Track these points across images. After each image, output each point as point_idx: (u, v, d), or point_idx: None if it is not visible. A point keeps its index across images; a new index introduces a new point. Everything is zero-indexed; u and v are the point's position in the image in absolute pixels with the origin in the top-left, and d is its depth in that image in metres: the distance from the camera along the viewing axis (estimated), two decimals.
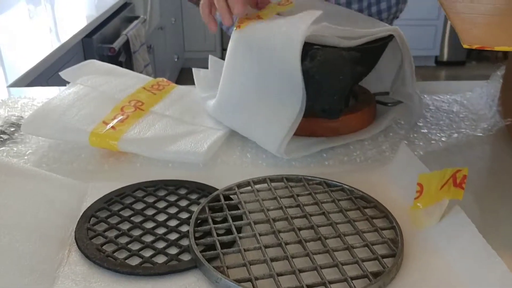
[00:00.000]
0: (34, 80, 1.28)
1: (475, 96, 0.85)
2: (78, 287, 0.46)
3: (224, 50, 3.34)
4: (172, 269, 0.48)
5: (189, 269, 0.48)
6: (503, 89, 0.79)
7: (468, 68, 3.51)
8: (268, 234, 0.51)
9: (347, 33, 0.64)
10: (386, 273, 0.46)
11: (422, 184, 0.57)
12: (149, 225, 0.54)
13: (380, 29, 0.66)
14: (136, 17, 2.16)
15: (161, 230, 0.53)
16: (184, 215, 0.56)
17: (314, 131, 0.70)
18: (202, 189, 0.60)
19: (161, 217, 0.55)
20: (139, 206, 0.57)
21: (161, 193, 0.60)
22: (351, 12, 0.81)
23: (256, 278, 0.45)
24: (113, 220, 0.55)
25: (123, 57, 1.90)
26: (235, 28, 0.67)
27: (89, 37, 1.68)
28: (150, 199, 0.58)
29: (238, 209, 0.55)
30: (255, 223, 0.52)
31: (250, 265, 0.46)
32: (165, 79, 0.84)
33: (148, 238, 0.52)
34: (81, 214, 0.55)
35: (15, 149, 0.70)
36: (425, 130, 0.74)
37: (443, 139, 0.72)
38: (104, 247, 0.51)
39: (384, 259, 0.48)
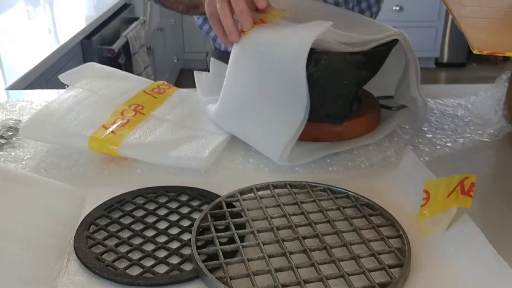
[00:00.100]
0: (32, 82, 1.27)
1: (479, 100, 0.84)
2: None
3: None
4: (174, 279, 0.46)
5: (191, 280, 0.47)
6: (508, 93, 0.77)
7: (469, 70, 3.51)
8: (272, 243, 0.50)
9: (353, 39, 0.63)
10: (394, 284, 0.45)
11: (429, 191, 0.56)
12: (150, 233, 0.53)
13: (386, 34, 0.65)
14: (136, 18, 2.14)
15: (162, 239, 0.52)
16: (186, 223, 0.54)
17: (317, 136, 0.69)
18: (204, 196, 0.59)
19: (162, 225, 0.54)
20: (139, 213, 0.56)
21: (162, 199, 0.58)
22: (353, 14, 0.80)
23: None
24: (113, 228, 0.54)
25: (122, 59, 1.89)
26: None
27: (89, 38, 1.67)
28: (151, 206, 0.57)
29: (241, 216, 0.54)
30: (259, 231, 0.51)
31: (254, 275, 0.45)
32: (165, 82, 0.83)
33: (149, 247, 0.51)
34: (80, 222, 0.54)
35: (12, 154, 0.68)
36: (430, 135, 0.73)
37: (448, 144, 0.71)
38: (104, 256, 0.49)
39: (391, 269, 0.47)
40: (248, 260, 0.47)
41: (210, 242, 0.51)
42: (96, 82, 0.78)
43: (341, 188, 0.59)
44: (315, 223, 0.53)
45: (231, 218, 0.53)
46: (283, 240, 0.50)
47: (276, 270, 0.46)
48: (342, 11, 0.80)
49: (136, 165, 0.66)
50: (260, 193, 0.58)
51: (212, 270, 0.46)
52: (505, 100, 0.78)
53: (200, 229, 0.52)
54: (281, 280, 0.45)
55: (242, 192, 0.58)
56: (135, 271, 0.48)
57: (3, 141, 0.71)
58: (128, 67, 1.94)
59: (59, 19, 1.80)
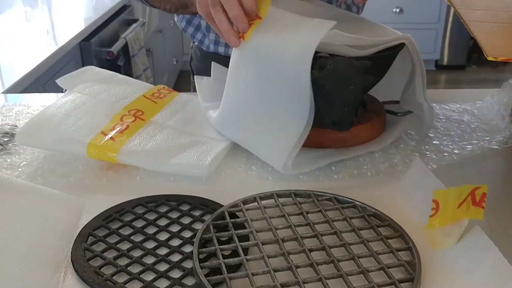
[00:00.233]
0: (30, 85, 1.25)
1: (485, 105, 0.82)
2: None
3: None
4: None
5: None
6: None
7: (469, 72, 3.49)
8: (277, 256, 0.48)
9: (358, 42, 0.61)
10: None
11: (438, 201, 0.54)
12: (150, 244, 0.51)
13: (392, 37, 0.64)
14: (135, 20, 2.13)
15: (163, 251, 0.50)
16: (187, 234, 0.53)
17: (321, 142, 0.67)
18: (206, 205, 0.57)
19: (163, 236, 0.52)
20: (139, 223, 0.54)
21: (163, 209, 0.57)
22: (358, 17, 0.78)
23: None
24: (112, 239, 0.52)
25: (121, 61, 1.87)
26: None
27: (87, 40, 1.65)
28: (151, 216, 0.55)
29: (245, 227, 0.52)
30: (263, 243, 0.49)
31: None
32: (166, 87, 0.81)
33: (149, 260, 0.49)
34: (77, 233, 0.52)
35: (8, 160, 0.66)
36: (437, 142, 0.72)
37: (455, 151, 0.69)
38: (102, 269, 0.47)
39: (402, 284, 0.45)
40: (253, 274, 0.45)
41: (213, 254, 0.49)
42: (94, 86, 0.77)
43: (347, 198, 0.57)
44: (322, 235, 0.51)
45: (234, 229, 0.51)
46: (289, 253, 0.48)
47: (282, 286, 0.44)
48: (345, 13, 0.78)
49: (136, 172, 0.64)
50: (264, 202, 0.56)
51: (215, 285, 0.44)
52: None
53: (202, 241, 0.50)
54: None
55: (245, 202, 0.56)
56: (135, 285, 0.46)
57: None
58: (127, 69, 1.92)
59: (57, 21, 1.78)
